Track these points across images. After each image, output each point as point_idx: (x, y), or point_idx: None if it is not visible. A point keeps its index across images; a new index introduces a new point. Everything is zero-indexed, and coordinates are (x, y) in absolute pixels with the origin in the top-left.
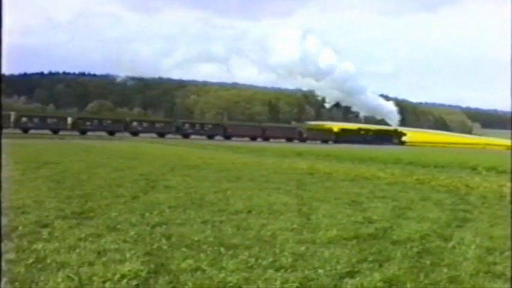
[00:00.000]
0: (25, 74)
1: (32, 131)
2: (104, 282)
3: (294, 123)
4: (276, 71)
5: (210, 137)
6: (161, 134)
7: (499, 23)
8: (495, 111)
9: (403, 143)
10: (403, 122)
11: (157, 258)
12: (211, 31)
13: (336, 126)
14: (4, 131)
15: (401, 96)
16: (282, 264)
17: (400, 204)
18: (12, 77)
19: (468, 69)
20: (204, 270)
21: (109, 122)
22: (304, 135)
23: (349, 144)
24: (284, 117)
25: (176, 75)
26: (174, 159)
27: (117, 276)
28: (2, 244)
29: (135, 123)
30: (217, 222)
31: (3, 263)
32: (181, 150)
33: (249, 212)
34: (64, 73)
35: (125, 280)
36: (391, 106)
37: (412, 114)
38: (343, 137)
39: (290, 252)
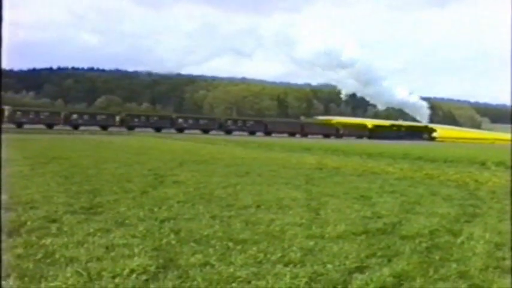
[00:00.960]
0: (34, 69)
1: (82, 128)
2: (113, 277)
3: (302, 118)
4: (301, 64)
5: (252, 133)
6: (205, 131)
7: (508, 18)
8: (504, 106)
9: (433, 138)
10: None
11: (166, 253)
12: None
13: (370, 122)
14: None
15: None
16: (291, 259)
17: (409, 199)
18: (21, 72)
19: (477, 64)
20: (212, 265)
21: (156, 118)
22: (341, 132)
23: (384, 140)
24: (293, 112)
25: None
26: (182, 154)
27: (126, 271)
28: (11, 240)
29: (180, 120)
30: (226, 217)
31: (11, 259)
32: (190, 145)
33: (258, 207)
34: (73, 68)
35: (134, 275)
36: (421, 103)
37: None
38: (377, 133)
39: (299, 247)
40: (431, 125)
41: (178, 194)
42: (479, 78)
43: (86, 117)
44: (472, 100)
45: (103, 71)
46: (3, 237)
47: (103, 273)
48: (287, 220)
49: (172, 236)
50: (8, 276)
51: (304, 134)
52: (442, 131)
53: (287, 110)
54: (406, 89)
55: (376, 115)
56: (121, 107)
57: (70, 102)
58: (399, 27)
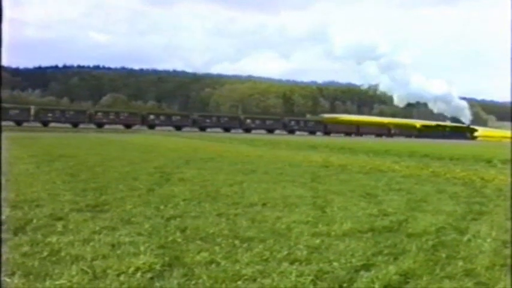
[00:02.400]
0: (40, 67)
1: (136, 127)
2: (118, 275)
3: (308, 116)
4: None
5: (312, 132)
6: (270, 131)
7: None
8: (511, 103)
9: (474, 137)
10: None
11: (172, 251)
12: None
13: (418, 123)
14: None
15: None
16: (297, 257)
17: (415, 197)
18: (27, 71)
19: (484, 61)
20: (218, 263)
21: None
22: (392, 131)
23: (431, 139)
24: (298, 109)
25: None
26: (188, 152)
27: (132, 269)
28: (17, 237)
29: (248, 121)
30: (232, 215)
31: (17, 256)
32: (196, 143)
33: (264, 204)
34: (78, 66)
35: (139, 273)
36: (464, 104)
37: (426, 106)
38: (425, 132)
39: (305, 245)
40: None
41: (185, 191)
42: (486, 76)
43: (161, 117)
44: (479, 98)
45: (109, 69)
46: (9, 235)
47: (108, 271)
48: (293, 218)
49: (178, 233)
50: (13, 274)
51: (360, 134)
52: (482, 131)
53: (293, 108)
54: (446, 89)
55: (382, 113)
56: (126, 105)
57: (76, 100)
58: (407, 25)
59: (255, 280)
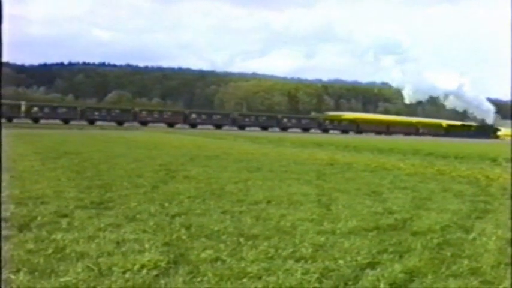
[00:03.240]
0: (45, 65)
1: (178, 126)
2: (123, 272)
3: (313, 114)
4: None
5: (345, 131)
6: (306, 129)
7: None
8: (511, 102)
9: (497, 137)
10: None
11: (177, 249)
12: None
13: (445, 122)
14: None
15: None
16: (302, 254)
17: (420, 195)
18: (32, 68)
19: (489, 60)
20: (223, 261)
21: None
22: (420, 131)
23: (457, 138)
24: (303, 107)
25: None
26: (193, 150)
27: (137, 266)
28: (22, 234)
29: (285, 120)
30: (237, 213)
31: (22, 253)
32: (200, 140)
33: (269, 202)
34: (84, 63)
35: (145, 270)
36: (489, 105)
37: (432, 105)
38: (451, 132)
39: (310, 243)
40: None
41: (189, 189)
42: (491, 74)
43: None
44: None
45: (114, 66)
46: (14, 232)
47: (113, 268)
48: (298, 216)
49: (183, 231)
50: (18, 271)
51: (390, 133)
52: (505, 130)
53: (298, 106)
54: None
55: (387, 111)
56: (131, 102)
57: (81, 97)
58: (411, 23)
59: (260, 278)
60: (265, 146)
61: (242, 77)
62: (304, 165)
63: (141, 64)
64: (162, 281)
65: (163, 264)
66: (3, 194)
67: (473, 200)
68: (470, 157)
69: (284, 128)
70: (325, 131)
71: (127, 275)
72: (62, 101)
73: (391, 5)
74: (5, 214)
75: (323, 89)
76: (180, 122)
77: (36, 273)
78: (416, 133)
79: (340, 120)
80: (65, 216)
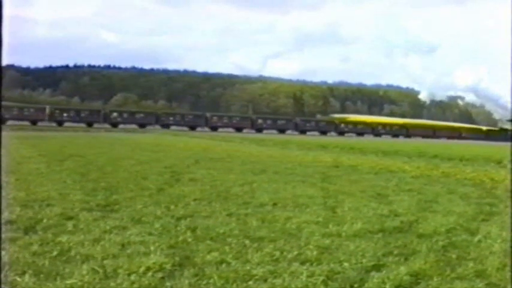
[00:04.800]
0: (50, 67)
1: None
2: (128, 274)
3: (319, 116)
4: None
5: (395, 136)
6: (361, 134)
7: None
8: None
9: None
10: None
11: (183, 251)
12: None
13: (485, 127)
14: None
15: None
16: (308, 257)
17: (425, 197)
18: (37, 70)
19: (495, 62)
20: (229, 263)
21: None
22: (463, 135)
23: (496, 142)
24: (309, 110)
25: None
26: (198, 152)
27: (142, 268)
28: (27, 237)
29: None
30: (243, 215)
31: (27, 256)
32: (205, 142)
33: (274, 204)
34: (89, 66)
35: (150, 273)
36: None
37: (437, 107)
38: (490, 135)
39: (315, 245)
40: None
41: (195, 191)
42: (497, 76)
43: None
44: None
45: (119, 68)
46: (19, 234)
47: (119, 270)
48: (303, 218)
49: (188, 233)
50: (24, 273)
51: (436, 137)
52: None
53: (303, 108)
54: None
55: (392, 113)
56: (137, 104)
57: (86, 99)
58: (417, 24)
59: (265, 280)
60: (270, 148)
61: (248, 79)
62: (309, 167)
63: (147, 66)
64: (168, 284)
65: (168, 266)
66: (9, 196)
67: (478, 202)
68: (475, 159)
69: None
70: (377, 135)
71: (132, 278)
72: (67, 104)
73: (397, 7)
74: (10, 216)
75: (328, 91)
76: (248, 128)
77: (42, 276)
78: (459, 137)
79: (389, 125)
80: (71, 218)
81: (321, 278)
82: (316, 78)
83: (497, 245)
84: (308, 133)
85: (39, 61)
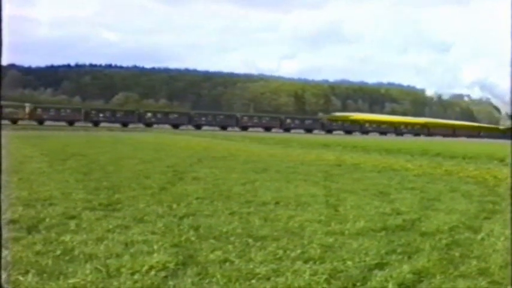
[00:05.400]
0: (52, 66)
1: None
2: (132, 274)
3: (320, 115)
4: None
5: (417, 135)
6: (384, 133)
7: None
8: (511, 102)
9: None
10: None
11: (185, 250)
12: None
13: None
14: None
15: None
16: (311, 255)
17: (428, 195)
18: (39, 69)
19: (496, 60)
20: (232, 262)
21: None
22: (481, 134)
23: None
24: (310, 108)
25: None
26: (200, 151)
27: (145, 267)
28: (30, 236)
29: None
30: (245, 214)
31: (30, 255)
32: (207, 141)
33: (277, 203)
34: (91, 65)
35: (153, 272)
36: None
37: (439, 105)
38: (507, 133)
39: (318, 244)
40: None
41: (197, 190)
42: (499, 75)
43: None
44: (484, 99)
45: (121, 67)
46: (22, 233)
47: (122, 269)
48: (306, 217)
49: (191, 232)
50: (27, 272)
51: (456, 136)
52: None
53: (304, 107)
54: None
55: (394, 111)
56: (138, 103)
57: (88, 99)
58: (419, 24)
59: (268, 279)
60: (272, 147)
61: (249, 78)
62: (312, 166)
63: (148, 65)
64: (171, 283)
65: (171, 265)
66: (12, 196)
67: (481, 200)
68: (478, 157)
69: (329, 131)
70: (400, 133)
71: (135, 277)
72: (69, 103)
73: (399, 5)
74: (13, 216)
75: (330, 90)
76: (277, 127)
77: (45, 275)
78: (478, 136)
79: (412, 124)
80: (73, 217)
81: (324, 277)
82: (318, 76)
83: (500, 243)
84: (334, 132)
85: (40, 60)
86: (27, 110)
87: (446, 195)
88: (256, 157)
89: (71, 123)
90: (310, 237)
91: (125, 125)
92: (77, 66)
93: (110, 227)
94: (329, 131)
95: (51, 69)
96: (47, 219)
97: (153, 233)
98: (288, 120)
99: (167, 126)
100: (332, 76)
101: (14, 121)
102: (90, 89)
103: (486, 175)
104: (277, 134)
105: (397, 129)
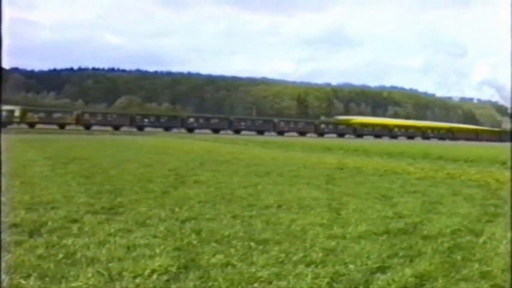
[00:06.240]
0: (54, 70)
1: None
2: (134, 277)
3: (323, 118)
4: None
5: (442, 139)
6: (411, 137)
7: None
8: (511, 102)
9: None
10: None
11: (187, 254)
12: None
13: None
14: None
15: (430, 90)
16: (313, 259)
17: (430, 199)
18: (41, 73)
19: (499, 63)
20: (234, 265)
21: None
22: (502, 137)
23: None
24: (313, 111)
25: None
26: (203, 154)
27: (147, 271)
28: (32, 240)
29: (323, 126)
30: (247, 217)
31: (32, 259)
32: (209, 145)
33: (279, 206)
34: (93, 69)
35: (155, 275)
36: None
37: (441, 108)
38: None
39: (320, 247)
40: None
41: (199, 194)
42: (501, 78)
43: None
44: (493, 99)
45: (123, 71)
46: (24, 237)
47: (124, 273)
48: (308, 220)
49: (193, 236)
50: (29, 276)
51: (478, 140)
52: None
53: (307, 110)
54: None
55: (396, 115)
56: (141, 107)
57: (90, 102)
58: (420, 27)
59: (270, 282)
60: (275, 150)
61: (251, 81)
62: (314, 169)
63: (151, 69)
64: (173, 286)
65: (173, 269)
66: (14, 200)
67: (483, 203)
68: (480, 160)
69: (359, 135)
70: (426, 137)
71: (137, 280)
72: (72, 107)
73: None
74: (15, 219)
75: (332, 93)
76: (312, 132)
77: (47, 279)
78: (499, 140)
79: (437, 129)
80: (76, 221)
81: (326, 280)
82: (320, 80)
83: (502, 246)
84: (365, 137)
85: (43, 64)
86: (74, 115)
87: (448, 199)
88: (259, 161)
89: (116, 128)
90: (312, 240)
91: (167, 129)
92: (80, 69)
93: (112, 230)
94: (359, 136)
95: (54, 72)
96: (49, 223)
97: (155, 236)
98: (322, 125)
99: (208, 131)
100: (334, 79)
101: (62, 126)
102: (93, 92)
103: (488, 178)
104: (311, 138)
105: (424, 134)
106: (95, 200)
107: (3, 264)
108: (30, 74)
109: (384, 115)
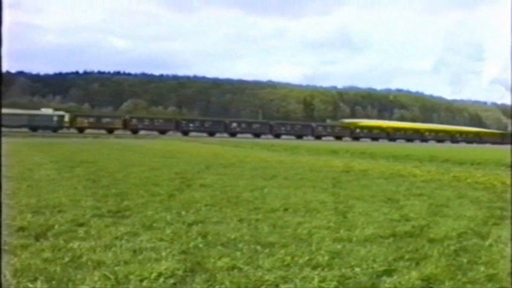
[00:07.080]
0: (60, 74)
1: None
2: (140, 281)
3: (328, 121)
4: None
5: (482, 142)
6: (441, 141)
7: None
8: (511, 103)
9: None
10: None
11: (194, 257)
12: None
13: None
14: None
15: (437, 93)
16: (319, 262)
17: (436, 202)
18: (47, 77)
19: (505, 66)
20: (240, 269)
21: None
22: None
23: None
24: (319, 115)
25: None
26: (209, 158)
27: (154, 274)
28: (38, 243)
29: (358, 130)
30: (254, 221)
31: (38, 262)
32: (215, 148)
33: (285, 210)
34: (99, 72)
35: (162, 279)
36: None
37: (447, 111)
38: None
39: (327, 251)
40: None
41: (206, 197)
42: (507, 80)
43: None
44: (499, 102)
45: (129, 74)
46: (30, 240)
47: (130, 276)
48: (314, 223)
49: (199, 239)
50: (36, 279)
51: (503, 144)
52: None
53: (313, 113)
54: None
55: (403, 118)
56: (147, 110)
57: (96, 106)
58: (428, 30)
59: (277, 286)
60: (280, 153)
61: (257, 84)
62: (320, 172)
63: (156, 72)
64: None
65: (180, 272)
66: (20, 203)
67: (489, 206)
68: (486, 163)
69: (392, 139)
70: (440, 141)
71: (144, 284)
72: (78, 110)
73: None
74: (22, 223)
75: (338, 96)
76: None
77: (54, 282)
78: (502, 143)
79: (466, 133)
80: (82, 224)
81: (333, 283)
82: (326, 83)
83: (509, 249)
84: (398, 141)
85: (49, 68)
86: (121, 120)
87: (454, 202)
88: (265, 164)
89: (162, 132)
90: (319, 243)
91: (211, 134)
92: (85, 73)
93: (119, 234)
94: (392, 140)
95: (60, 76)
96: (56, 226)
97: (162, 240)
98: (357, 130)
99: (249, 135)
100: (340, 82)
101: (110, 131)
102: (98, 96)
103: (494, 181)
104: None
105: (452, 138)
106: (101, 203)
107: (9, 268)
108: (35, 78)
109: (390, 118)
